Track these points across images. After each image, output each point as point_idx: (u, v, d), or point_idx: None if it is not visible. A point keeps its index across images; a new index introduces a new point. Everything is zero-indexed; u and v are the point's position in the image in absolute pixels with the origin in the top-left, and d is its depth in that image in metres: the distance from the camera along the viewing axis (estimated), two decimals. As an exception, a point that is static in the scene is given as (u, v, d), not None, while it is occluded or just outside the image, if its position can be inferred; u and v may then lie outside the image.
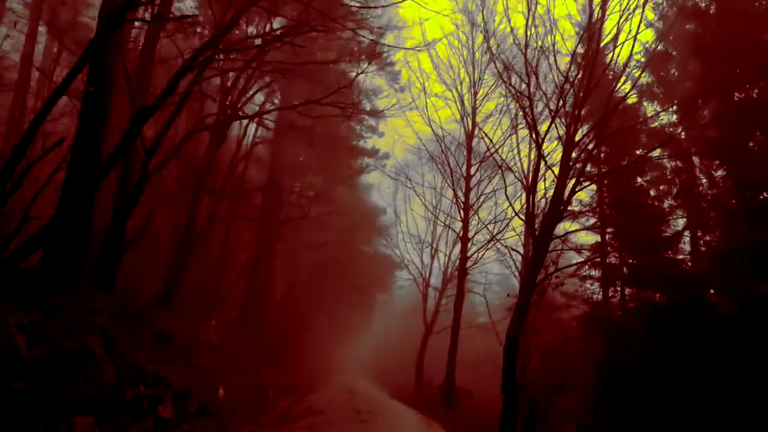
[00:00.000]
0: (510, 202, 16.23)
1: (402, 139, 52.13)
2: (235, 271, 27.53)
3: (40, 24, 21.32)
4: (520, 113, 16.19)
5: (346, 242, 38.39)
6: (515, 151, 18.18)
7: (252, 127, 28.67)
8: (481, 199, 21.07)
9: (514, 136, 18.43)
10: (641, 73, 16.35)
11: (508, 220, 19.83)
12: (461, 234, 19.99)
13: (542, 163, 14.35)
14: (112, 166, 9.79)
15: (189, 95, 12.91)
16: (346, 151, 32.57)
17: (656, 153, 20.27)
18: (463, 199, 20.40)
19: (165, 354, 12.03)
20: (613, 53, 14.33)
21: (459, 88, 21.57)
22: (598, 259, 20.40)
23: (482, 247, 20.44)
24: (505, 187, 15.74)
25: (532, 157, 21.38)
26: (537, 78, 13.71)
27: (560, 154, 16.22)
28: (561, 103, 13.41)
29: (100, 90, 11.44)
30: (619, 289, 21.28)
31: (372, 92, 34.64)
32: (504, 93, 19.39)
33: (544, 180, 16.42)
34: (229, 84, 18.97)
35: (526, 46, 13.71)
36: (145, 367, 9.38)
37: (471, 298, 29.58)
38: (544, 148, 14.18)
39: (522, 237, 23.36)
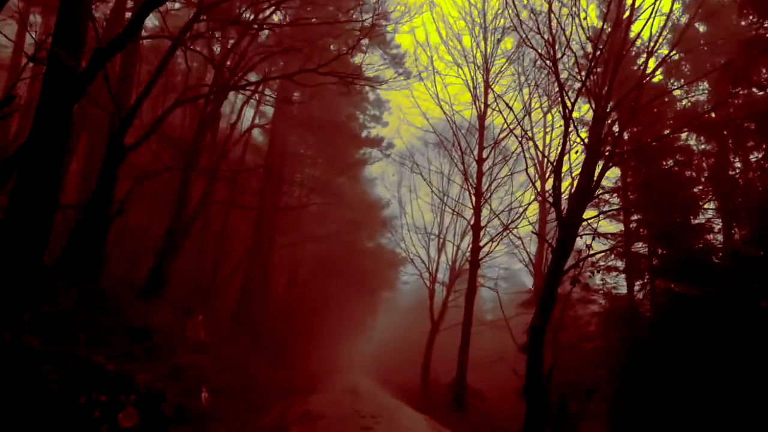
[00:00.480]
0: (531, 180, 14.59)
1: (406, 119, 49.94)
2: (231, 263, 25.99)
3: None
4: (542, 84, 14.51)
5: (348, 237, 36.75)
6: (534, 130, 16.55)
7: (249, 112, 27.13)
8: (493, 186, 19.41)
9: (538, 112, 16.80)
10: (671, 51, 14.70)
11: (524, 207, 18.20)
12: (473, 222, 18.31)
13: (569, 139, 12.68)
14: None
15: (173, 52, 11.32)
16: (347, 140, 30.95)
17: (684, 135, 18.74)
18: (474, 184, 18.72)
19: (138, 352, 10.45)
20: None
21: (471, 59, 19.86)
22: (621, 248, 18.82)
23: (496, 236, 18.77)
24: (526, 164, 14.03)
25: (554, 135, 19.81)
26: (565, 38, 12.02)
27: (585, 131, 14.67)
28: (592, 65, 11.74)
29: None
30: (644, 281, 19.71)
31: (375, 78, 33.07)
32: (520, 67, 17.70)
33: (569, 158, 14.78)
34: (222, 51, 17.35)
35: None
36: (105, 367, 7.78)
37: (479, 293, 28.04)
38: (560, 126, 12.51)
39: (536, 226, 21.78)
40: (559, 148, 12.86)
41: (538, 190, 16.16)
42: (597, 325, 21.51)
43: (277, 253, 31.06)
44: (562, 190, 13.36)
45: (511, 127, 14.70)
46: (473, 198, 17.66)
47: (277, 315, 31.64)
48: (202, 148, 17.21)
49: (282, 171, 28.64)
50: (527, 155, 15.05)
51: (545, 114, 20.57)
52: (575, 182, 12.50)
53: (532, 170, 21.20)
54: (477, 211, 17.89)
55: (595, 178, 12.31)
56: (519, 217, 18.63)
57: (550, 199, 12.63)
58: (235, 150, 25.61)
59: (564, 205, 12.92)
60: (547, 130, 22.04)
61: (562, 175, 12.64)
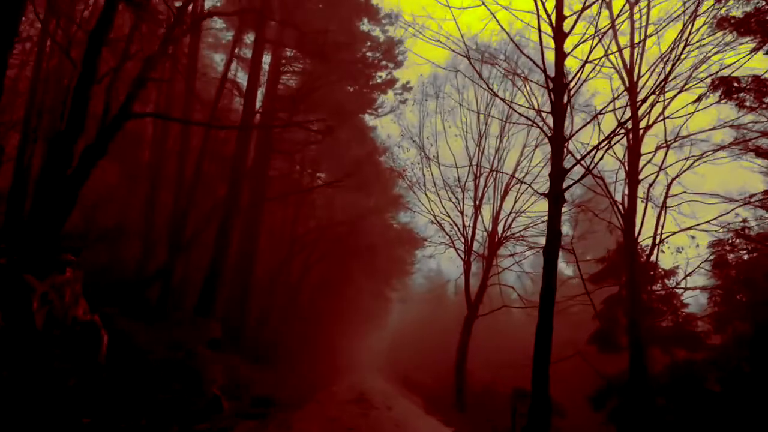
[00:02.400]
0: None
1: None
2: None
3: None
4: None
5: (357, 211, 29.84)
6: None
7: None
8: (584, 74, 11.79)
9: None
10: None
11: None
12: (552, 133, 11.06)
13: None
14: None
15: None
16: (350, 76, 24.14)
17: None
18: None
19: None
20: None
21: None
22: None
23: (590, 151, 11.51)
24: None
25: None
26: None
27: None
28: None
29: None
30: None
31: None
32: None
33: None
34: None
35: None
36: None
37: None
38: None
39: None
40: None
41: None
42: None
43: (265, 225, 24.49)
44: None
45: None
46: (552, 95, 10.68)
47: (265, 304, 24.98)
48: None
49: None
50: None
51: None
52: None
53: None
54: (559, 109, 10.72)
55: None
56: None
57: None
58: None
59: None
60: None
61: None
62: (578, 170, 12.55)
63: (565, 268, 40.80)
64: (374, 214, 29.38)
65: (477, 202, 19.71)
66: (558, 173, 10.61)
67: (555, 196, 10.52)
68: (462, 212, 19.81)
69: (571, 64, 14.87)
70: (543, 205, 21.14)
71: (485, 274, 19.89)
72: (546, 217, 19.85)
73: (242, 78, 25.07)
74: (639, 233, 14.61)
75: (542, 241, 21.16)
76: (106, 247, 19.29)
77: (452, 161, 20.39)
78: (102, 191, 18.29)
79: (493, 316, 20.76)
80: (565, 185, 10.81)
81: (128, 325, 11.05)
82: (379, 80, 25.88)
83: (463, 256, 19.99)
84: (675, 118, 14.37)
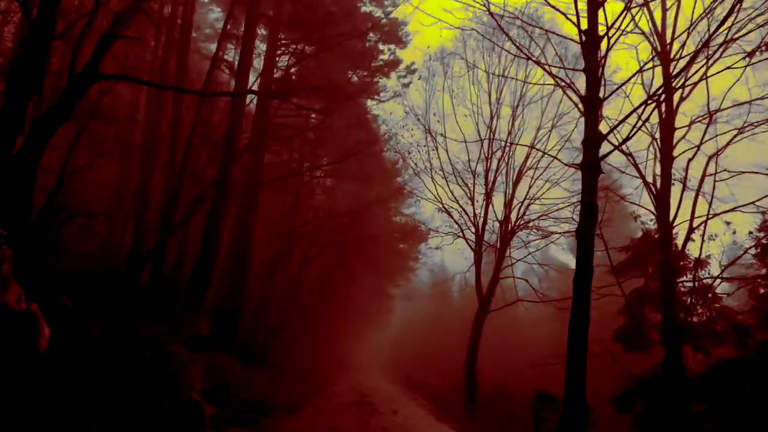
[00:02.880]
0: None
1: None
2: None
3: None
4: None
5: (358, 203, 28.24)
6: None
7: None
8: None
9: None
10: None
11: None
12: (585, 93, 9.30)
13: None
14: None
15: None
16: (350, 57, 22.59)
17: None
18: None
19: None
20: None
21: None
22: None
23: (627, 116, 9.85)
24: None
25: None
26: None
27: None
28: None
29: None
30: None
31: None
32: None
33: None
34: None
35: None
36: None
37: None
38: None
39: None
40: None
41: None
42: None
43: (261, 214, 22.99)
44: None
45: None
46: (584, 50, 9.04)
47: (259, 302, 23.44)
48: None
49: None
50: None
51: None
52: None
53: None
54: (593, 65, 9.02)
55: None
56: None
57: None
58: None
59: None
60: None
61: None
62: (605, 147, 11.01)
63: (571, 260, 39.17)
64: (376, 205, 27.74)
65: (488, 187, 18.10)
66: (593, 139, 9.03)
67: (590, 166, 8.94)
68: (472, 198, 18.20)
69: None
70: (558, 192, 19.65)
71: (497, 266, 18.30)
72: (558, 206, 18.54)
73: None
74: (675, 217, 13.05)
75: (556, 230, 19.89)
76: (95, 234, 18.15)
77: (460, 144, 18.77)
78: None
79: (501, 313, 19.25)
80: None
81: (94, 319, 9.54)
82: (381, 62, 24.30)
83: (473, 246, 18.40)
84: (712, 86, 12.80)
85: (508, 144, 17.53)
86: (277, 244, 24.08)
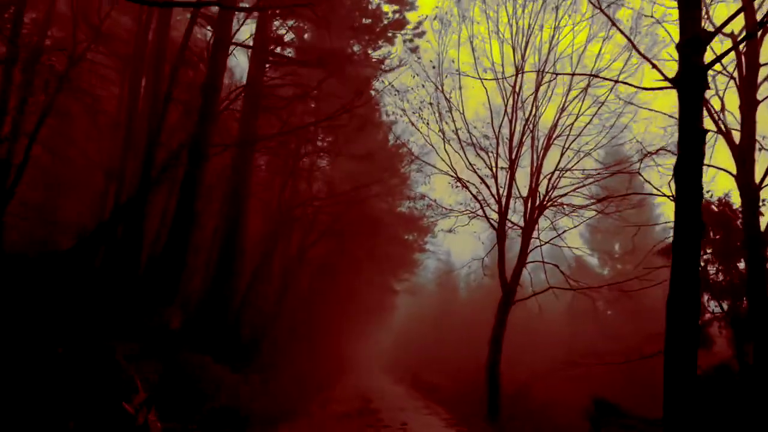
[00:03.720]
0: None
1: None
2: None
3: None
4: None
5: (357, 184, 25.51)
6: None
7: None
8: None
9: None
10: None
11: None
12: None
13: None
14: None
15: None
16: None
17: None
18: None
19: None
20: None
21: None
22: None
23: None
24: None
25: None
26: None
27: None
28: None
29: None
30: None
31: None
32: None
33: None
34: None
35: None
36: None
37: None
38: None
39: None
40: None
41: None
42: None
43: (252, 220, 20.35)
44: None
45: None
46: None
47: (251, 292, 20.69)
48: None
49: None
50: None
51: None
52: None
53: None
54: None
55: None
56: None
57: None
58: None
59: None
60: None
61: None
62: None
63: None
64: (378, 185, 25.04)
65: (513, 154, 15.27)
66: (695, 39, 6.28)
67: (692, 78, 6.19)
68: (495, 166, 15.35)
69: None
70: (592, 163, 16.91)
71: (523, 247, 15.55)
72: (595, 177, 15.80)
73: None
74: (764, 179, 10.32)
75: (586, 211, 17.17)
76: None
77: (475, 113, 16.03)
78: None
79: (520, 305, 16.55)
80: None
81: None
82: (386, 21, 21.50)
83: (495, 225, 15.64)
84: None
85: (541, 72, 14.58)
86: (272, 226, 21.44)
